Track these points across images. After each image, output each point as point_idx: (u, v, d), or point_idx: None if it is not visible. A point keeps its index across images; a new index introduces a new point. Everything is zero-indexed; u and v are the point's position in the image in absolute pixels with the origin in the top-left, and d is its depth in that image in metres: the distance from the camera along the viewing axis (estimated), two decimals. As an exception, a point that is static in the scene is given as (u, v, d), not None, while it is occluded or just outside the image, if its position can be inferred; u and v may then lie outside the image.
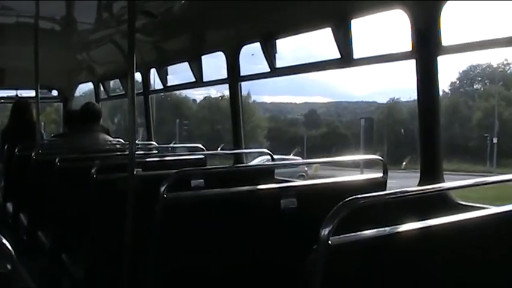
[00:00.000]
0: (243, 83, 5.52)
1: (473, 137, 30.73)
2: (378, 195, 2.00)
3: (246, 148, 5.54)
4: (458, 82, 35.30)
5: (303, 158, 27.09)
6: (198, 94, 44.98)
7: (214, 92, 40.04)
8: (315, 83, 48.36)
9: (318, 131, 39.07)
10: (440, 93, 3.70)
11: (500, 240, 2.30)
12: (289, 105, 44.52)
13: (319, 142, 36.48)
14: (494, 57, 32.66)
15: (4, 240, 1.58)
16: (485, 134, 29.03)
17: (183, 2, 5.26)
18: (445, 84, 33.89)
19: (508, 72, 33.53)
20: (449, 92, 34.70)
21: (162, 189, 2.81)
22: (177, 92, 37.55)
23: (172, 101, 40.78)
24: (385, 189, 3.63)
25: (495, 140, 28.08)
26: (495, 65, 33.61)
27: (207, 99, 41.79)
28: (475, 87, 35.26)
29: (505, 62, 32.69)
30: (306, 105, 42.98)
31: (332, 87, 53.87)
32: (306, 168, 25.02)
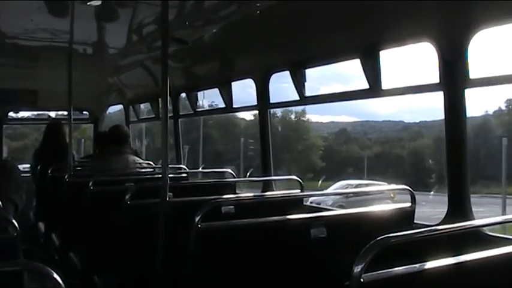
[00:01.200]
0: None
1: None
2: (409, 234, 2.05)
3: (278, 174, 5.60)
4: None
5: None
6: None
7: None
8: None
9: (371, 150, 35.92)
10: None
11: None
12: (315, 124, 41.57)
13: (374, 163, 33.87)
14: None
15: (55, 275, 1.68)
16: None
17: (214, 31, 5.40)
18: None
19: None
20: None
21: (197, 219, 2.90)
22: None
23: (225, 121, 37.52)
24: (413, 220, 3.68)
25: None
26: None
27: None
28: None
29: None
30: (333, 124, 40.63)
31: (357, 106, 53.15)
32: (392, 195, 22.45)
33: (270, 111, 5.64)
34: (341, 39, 4.37)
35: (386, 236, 1.94)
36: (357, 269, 1.82)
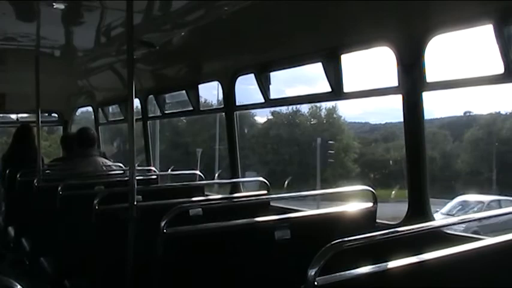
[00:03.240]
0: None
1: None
2: (365, 237, 2.13)
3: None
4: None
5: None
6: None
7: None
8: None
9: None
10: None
11: (495, 271, 2.42)
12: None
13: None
14: None
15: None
16: None
17: (182, 34, 5.44)
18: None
19: None
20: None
21: (162, 224, 2.96)
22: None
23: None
24: (375, 219, 3.79)
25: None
26: None
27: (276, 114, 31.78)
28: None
29: None
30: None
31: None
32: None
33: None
34: (304, 43, 4.47)
35: (341, 239, 2.02)
36: (311, 272, 1.91)
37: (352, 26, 3.99)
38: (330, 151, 26.59)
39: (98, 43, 6.63)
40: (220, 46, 5.41)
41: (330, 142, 27.02)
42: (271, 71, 5.06)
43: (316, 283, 1.90)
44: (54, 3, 4.73)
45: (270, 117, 32.31)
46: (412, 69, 3.59)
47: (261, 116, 32.71)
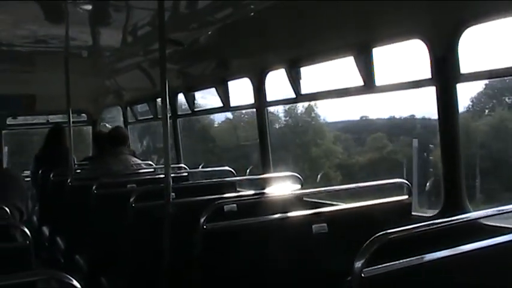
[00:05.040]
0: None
1: None
2: (408, 228, 2.14)
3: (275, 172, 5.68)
4: None
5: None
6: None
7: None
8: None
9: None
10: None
11: None
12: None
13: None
14: None
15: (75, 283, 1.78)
16: None
17: (209, 33, 5.47)
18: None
19: None
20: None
21: (202, 220, 2.99)
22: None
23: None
24: (411, 212, 3.78)
25: None
26: None
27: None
28: None
29: None
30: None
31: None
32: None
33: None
34: (335, 37, 4.46)
35: (385, 232, 2.03)
36: (358, 264, 1.93)
37: (384, 19, 3.97)
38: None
39: (126, 43, 6.69)
40: (250, 43, 5.42)
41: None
42: (302, 67, 5.04)
43: (363, 274, 1.92)
44: (81, 6, 4.79)
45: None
46: (445, 61, 3.56)
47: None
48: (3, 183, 3.87)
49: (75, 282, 1.82)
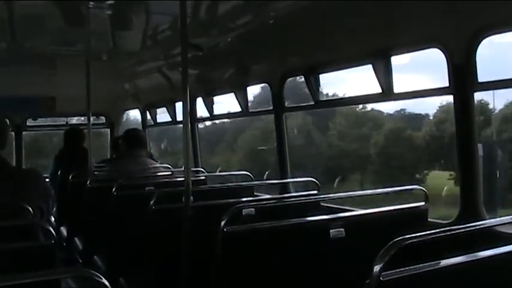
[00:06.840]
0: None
1: None
2: (425, 234, 2.17)
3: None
4: None
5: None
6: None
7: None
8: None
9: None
10: None
11: None
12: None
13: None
14: None
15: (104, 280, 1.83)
16: None
17: (229, 39, 5.53)
18: None
19: None
20: None
21: (222, 223, 3.04)
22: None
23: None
24: (427, 218, 3.80)
25: None
26: None
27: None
28: None
29: None
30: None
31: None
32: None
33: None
34: (354, 45, 4.50)
35: (403, 237, 2.07)
36: (377, 268, 1.96)
37: (403, 27, 4.01)
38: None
39: (146, 47, 6.77)
40: (269, 49, 5.47)
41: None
42: (321, 73, 5.08)
43: (381, 278, 1.96)
44: (103, 10, 4.88)
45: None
46: (463, 69, 3.59)
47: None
48: (24, 182, 3.93)
49: (104, 280, 1.87)
